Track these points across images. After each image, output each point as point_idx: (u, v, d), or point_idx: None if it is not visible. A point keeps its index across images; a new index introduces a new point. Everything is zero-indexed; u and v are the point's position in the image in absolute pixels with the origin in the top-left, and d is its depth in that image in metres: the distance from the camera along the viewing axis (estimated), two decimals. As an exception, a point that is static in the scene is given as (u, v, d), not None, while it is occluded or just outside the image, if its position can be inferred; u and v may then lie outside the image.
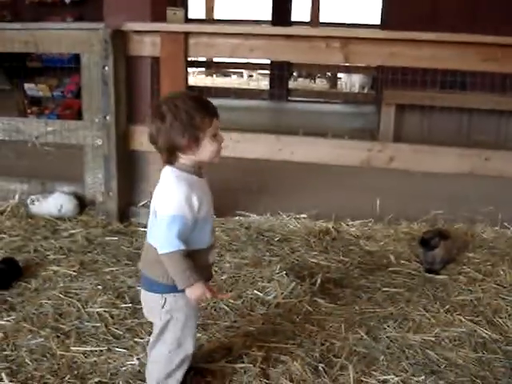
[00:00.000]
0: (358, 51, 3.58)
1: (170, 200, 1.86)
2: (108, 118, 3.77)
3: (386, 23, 9.23)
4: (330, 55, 3.63)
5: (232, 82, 13.95)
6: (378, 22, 11.10)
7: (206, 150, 1.91)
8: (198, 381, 2.19)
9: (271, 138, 3.80)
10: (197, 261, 1.91)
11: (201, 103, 1.92)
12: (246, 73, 14.13)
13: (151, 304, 2.03)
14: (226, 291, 2.89)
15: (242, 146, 3.75)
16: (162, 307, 1.97)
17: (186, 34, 3.68)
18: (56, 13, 8.17)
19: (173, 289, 1.93)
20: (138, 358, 2.33)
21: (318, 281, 2.96)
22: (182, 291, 1.92)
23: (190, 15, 11.87)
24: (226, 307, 2.74)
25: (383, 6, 9.77)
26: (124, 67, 3.81)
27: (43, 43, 4.05)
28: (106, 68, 3.72)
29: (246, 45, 3.65)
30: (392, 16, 8.66)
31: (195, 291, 1.90)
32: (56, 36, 4.01)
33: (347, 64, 9.94)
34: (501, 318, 2.75)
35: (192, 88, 9.98)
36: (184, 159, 1.92)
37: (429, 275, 3.17)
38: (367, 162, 3.71)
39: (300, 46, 3.61)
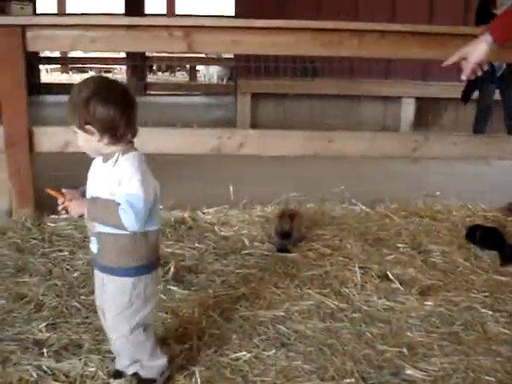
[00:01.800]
0: (201, 40, 3.62)
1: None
2: None
3: (238, 14, 9.39)
4: (173, 44, 3.64)
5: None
6: (232, 13, 11.29)
7: None
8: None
9: (120, 131, 3.75)
10: None
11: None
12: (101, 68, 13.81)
13: None
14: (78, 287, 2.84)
15: (90, 141, 3.67)
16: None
17: (23, 27, 3.54)
18: None
19: None
20: None
21: (172, 269, 2.97)
22: None
23: (40, 10, 11.42)
24: (77, 304, 2.68)
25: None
26: (-43, 64, 3.61)
27: None
28: None
29: (86, 36, 3.57)
30: (243, 8, 8.82)
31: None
32: None
33: (203, 55, 10.05)
34: (347, 288, 2.90)
35: (46, 85, 9.65)
36: None
37: (281, 254, 3.28)
38: (218, 149, 3.77)
39: (142, 35, 3.59)
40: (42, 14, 12.03)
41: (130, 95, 1.92)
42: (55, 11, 14.06)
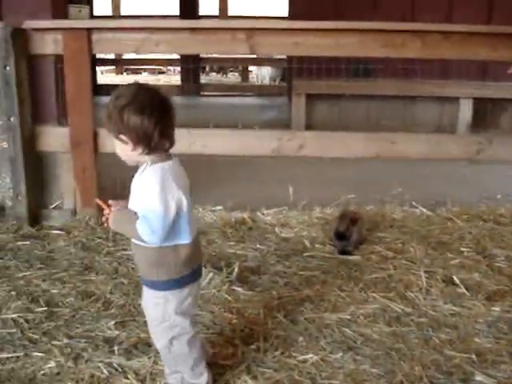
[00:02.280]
0: (263, 42, 3.63)
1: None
2: (12, 119, 3.66)
3: (293, 15, 9.38)
4: (236, 47, 3.66)
5: (143, 78, 13.77)
6: (285, 14, 11.28)
7: None
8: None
9: (182, 132, 3.78)
10: None
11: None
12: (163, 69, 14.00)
13: None
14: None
15: (153, 142, 3.73)
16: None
17: (89, 30, 3.62)
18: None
19: None
20: (56, 361, 2.28)
21: (236, 269, 2.99)
22: None
23: (96, 12, 11.63)
24: (144, 303, 2.73)
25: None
26: (26, 66, 3.70)
27: None
28: (8, 68, 3.60)
29: (151, 39, 3.62)
30: (297, 8, 8.80)
31: None
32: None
33: (255, 56, 10.07)
34: (412, 292, 2.87)
35: (101, 86, 9.83)
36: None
37: (342, 257, 3.26)
38: (278, 151, 3.77)
39: (205, 38, 3.62)
40: (106, 17, 12.33)
41: (166, 104, 1.86)
42: (110, 13, 14.31)
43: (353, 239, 3.33)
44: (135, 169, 1.93)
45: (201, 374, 2.09)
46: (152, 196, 1.82)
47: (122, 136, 1.83)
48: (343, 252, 3.30)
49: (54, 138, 3.78)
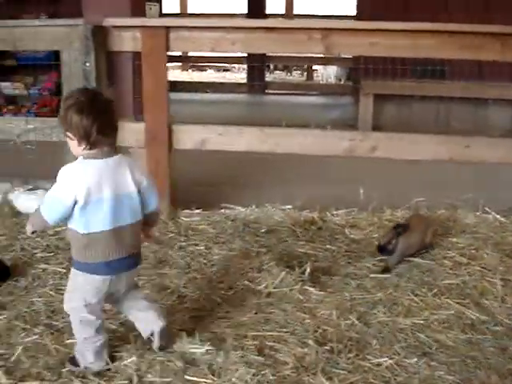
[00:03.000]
0: (339, 42, 3.62)
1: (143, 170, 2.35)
2: (90, 114, 3.76)
3: (361, 14, 9.31)
4: (312, 47, 3.66)
5: (208, 76, 13.91)
6: (352, 13, 11.20)
7: None
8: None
9: (255, 131, 3.83)
10: None
11: None
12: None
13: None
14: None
15: (226, 139, 3.78)
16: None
17: (167, 29, 3.68)
18: (30, 10, 8.05)
19: None
20: (135, 350, 2.34)
21: (308, 270, 2.99)
22: None
23: (164, 9, 11.81)
24: (218, 298, 2.77)
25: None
26: (105, 63, 3.80)
27: (22, 40, 4.02)
28: (88, 64, 3.70)
29: (227, 38, 3.66)
30: (366, 7, 8.72)
31: None
32: (34, 33, 3.97)
33: (323, 55, 10.03)
34: (487, 299, 2.82)
35: (174, 82, 9.96)
36: None
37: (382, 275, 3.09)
38: (350, 151, 3.75)
39: (281, 38, 3.63)
40: (171, 15, 12.50)
41: (104, 105, 2.15)
42: (177, 11, 14.50)
43: (397, 252, 3.14)
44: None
45: (85, 354, 2.24)
46: (56, 182, 2.11)
47: (68, 133, 2.12)
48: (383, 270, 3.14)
49: (130, 133, 3.85)
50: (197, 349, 2.34)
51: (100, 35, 3.72)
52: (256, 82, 10.25)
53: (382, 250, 3.15)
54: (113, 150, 2.20)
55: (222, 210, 3.92)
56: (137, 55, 3.85)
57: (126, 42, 3.76)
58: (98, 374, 2.20)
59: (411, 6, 7.15)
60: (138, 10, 3.95)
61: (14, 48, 4.29)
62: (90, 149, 2.11)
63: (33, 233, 2.28)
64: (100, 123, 2.08)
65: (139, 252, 2.29)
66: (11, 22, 4.49)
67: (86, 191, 2.07)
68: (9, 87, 7.70)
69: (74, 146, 2.13)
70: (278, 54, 11.19)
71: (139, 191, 2.21)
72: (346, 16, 11.56)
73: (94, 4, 3.82)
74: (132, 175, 2.19)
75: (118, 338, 2.44)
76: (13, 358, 2.31)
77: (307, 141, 3.79)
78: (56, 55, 6.34)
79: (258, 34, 3.65)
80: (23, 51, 7.39)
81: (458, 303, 2.76)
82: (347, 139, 3.74)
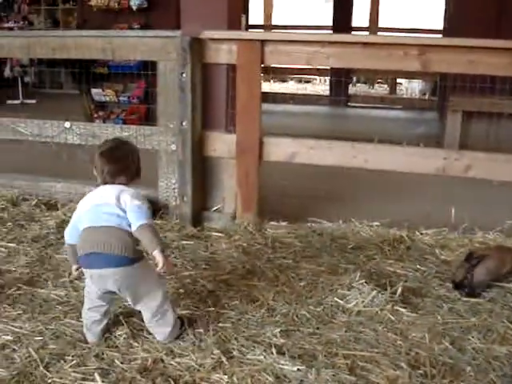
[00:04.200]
0: (436, 59, 3.55)
1: (136, 196, 2.47)
2: (184, 123, 3.84)
3: (450, 29, 9.13)
4: (407, 63, 3.61)
5: (290, 87, 13.96)
6: (438, 27, 11.01)
7: None
8: None
9: (346, 145, 3.81)
10: None
11: None
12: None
13: (131, 277, 2.45)
14: (305, 297, 2.93)
15: (316, 153, 3.78)
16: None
17: (263, 42, 3.72)
18: (122, 20, 8.33)
19: (137, 259, 2.44)
20: (217, 358, 2.36)
21: (399, 290, 2.94)
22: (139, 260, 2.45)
23: (250, 21, 11.96)
24: (307, 314, 2.76)
25: (447, 11, 9.66)
26: (200, 74, 3.88)
27: (120, 50, 4.16)
28: (184, 75, 3.79)
29: (322, 52, 3.66)
30: (455, 21, 8.54)
31: (164, 257, 2.37)
32: (133, 43, 4.10)
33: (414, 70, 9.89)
34: None
35: (266, 94, 10.07)
36: None
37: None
38: (443, 170, 3.67)
39: (377, 53, 3.59)
40: (256, 26, 12.65)
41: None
42: (261, 23, 14.66)
43: (475, 283, 3.01)
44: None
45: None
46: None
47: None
48: (469, 294, 3.01)
49: (221, 144, 3.93)
50: (287, 364, 2.34)
51: (197, 47, 3.81)
52: (339, 95, 10.20)
53: (458, 287, 3.05)
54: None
55: (309, 224, 3.91)
56: (231, 67, 3.91)
57: (222, 54, 3.83)
58: None
59: (503, 22, 6.98)
60: (233, 22, 4.00)
61: (113, 57, 4.41)
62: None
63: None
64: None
65: (119, 254, 2.39)
66: (111, 31, 4.65)
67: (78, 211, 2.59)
68: (100, 94, 7.97)
69: None
70: (359, 67, 11.12)
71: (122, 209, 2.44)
72: (432, 30, 11.36)
73: (192, 16, 3.89)
74: (118, 195, 2.46)
75: (210, 347, 2.47)
76: (107, 360, 2.38)
77: (399, 158, 3.73)
78: (145, 65, 6.56)
79: (353, 48, 3.63)
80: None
81: (556, 334, 2.64)
82: (441, 158, 3.66)
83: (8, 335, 2.56)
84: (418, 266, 3.34)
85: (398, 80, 12.79)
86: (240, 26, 4.16)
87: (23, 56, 8.90)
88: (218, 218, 4.00)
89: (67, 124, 4.33)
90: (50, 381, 2.25)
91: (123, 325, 2.63)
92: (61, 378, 2.26)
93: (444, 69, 3.70)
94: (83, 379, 2.26)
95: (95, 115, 7.84)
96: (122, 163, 2.58)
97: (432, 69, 3.60)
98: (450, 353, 2.49)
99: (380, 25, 13.15)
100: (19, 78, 10.56)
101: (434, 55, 3.53)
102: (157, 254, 2.34)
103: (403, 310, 2.80)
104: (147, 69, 5.87)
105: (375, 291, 2.90)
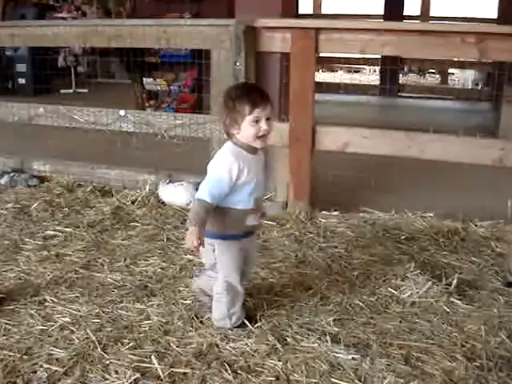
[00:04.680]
0: (494, 47, 3.47)
1: (216, 165, 2.34)
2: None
3: (504, 17, 8.92)
4: (465, 51, 3.55)
5: (339, 77, 13.83)
6: (493, 15, 10.78)
7: (245, 132, 2.32)
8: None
9: (400, 135, 3.76)
10: (230, 217, 2.39)
11: (246, 93, 2.34)
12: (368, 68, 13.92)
13: (205, 247, 2.39)
14: (359, 287, 2.92)
15: (369, 142, 3.75)
16: (213, 251, 2.43)
17: (317, 30, 3.70)
18: (174, 9, 8.40)
19: (219, 236, 2.41)
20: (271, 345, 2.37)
21: (454, 282, 2.90)
22: (226, 238, 2.41)
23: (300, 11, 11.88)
24: (360, 303, 2.75)
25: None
26: (254, 63, 3.88)
27: (175, 39, 4.19)
28: (238, 64, 3.80)
29: (377, 41, 3.62)
30: (509, 9, 8.34)
31: (190, 233, 2.27)
32: (187, 32, 4.13)
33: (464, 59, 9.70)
34: None
35: (317, 83, 10.03)
36: (237, 137, 2.35)
37: None
38: (500, 160, 3.59)
39: (434, 41, 3.54)
40: (305, 15, 12.58)
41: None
42: (311, 12, 14.58)
43: None
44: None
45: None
46: None
47: None
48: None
49: (274, 132, 3.88)
50: (342, 353, 2.34)
51: (251, 35, 3.81)
52: (389, 85, 10.06)
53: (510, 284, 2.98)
54: None
55: (361, 214, 3.89)
56: (284, 56, 3.90)
57: (276, 42, 3.82)
58: (247, 370, 2.26)
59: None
60: (287, 10, 3.99)
61: (168, 45, 4.46)
62: None
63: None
64: None
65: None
66: (165, 20, 4.70)
67: None
68: (151, 83, 8.05)
69: None
70: (414, 57, 10.95)
71: None
72: (486, 19, 11.10)
73: (246, 4, 3.90)
74: None
75: (264, 333, 2.49)
76: (164, 344, 2.43)
77: (455, 148, 3.67)
78: (195, 54, 6.60)
79: (410, 37, 3.59)
80: (167, 49, 7.70)
81: None
82: (498, 148, 3.59)
83: (66, 317, 2.62)
84: (473, 258, 3.29)
85: (451, 70, 12.54)
86: (294, 14, 4.14)
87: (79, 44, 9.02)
88: (269, 206, 4.00)
89: (122, 112, 4.41)
90: (107, 362, 2.30)
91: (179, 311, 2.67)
92: (118, 360, 2.31)
93: (502, 57, 3.62)
94: (140, 361, 2.31)
95: (146, 104, 7.93)
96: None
97: (490, 57, 3.53)
98: (507, 346, 2.44)
99: (432, 13, 12.94)
100: (72, 68, 10.75)
101: (492, 43, 3.45)
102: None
103: (459, 301, 2.76)
104: (198, 58, 5.90)
105: (430, 282, 2.87)
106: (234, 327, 2.51)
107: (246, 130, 2.31)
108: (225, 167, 2.30)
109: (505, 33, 3.53)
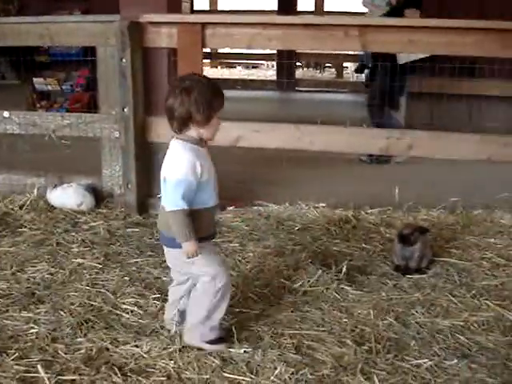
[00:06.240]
0: (377, 39, 3.57)
1: (177, 166, 2.21)
2: (126, 110, 3.78)
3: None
4: (348, 43, 3.62)
5: (237, 72, 13.91)
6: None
7: (211, 128, 2.27)
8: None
9: (290, 128, 3.80)
10: (203, 218, 2.28)
11: (219, 87, 2.31)
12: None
13: (174, 259, 2.36)
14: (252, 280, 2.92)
15: (261, 137, 3.77)
16: (187, 258, 2.25)
17: (203, 25, 3.68)
18: (64, 7, 8.15)
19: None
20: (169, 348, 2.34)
21: (344, 269, 2.96)
22: (201, 241, 2.25)
23: (195, 6, 11.85)
24: (254, 296, 2.75)
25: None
26: (141, 59, 3.81)
27: (58, 36, 4.05)
28: (124, 60, 3.73)
29: (263, 35, 3.64)
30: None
31: (189, 247, 2.21)
32: (71, 29, 4.01)
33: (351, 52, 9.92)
34: (528, 301, 2.76)
35: (216, 80, 10.00)
36: (192, 132, 2.25)
37: (410, 275, 3.03)
38: (386, 149, 3.71)
39: (318, 34, 3.60)
40: (201, 11, 12.52)
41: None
42: (207, 8, 14.53)
43: (417, 249, 3.04)
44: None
45: None
46: None
47: None
48: (406, 269, 3.04)
49: (165, 129, 3.83)
50: (234, 347, 2.34)
51: (136, 31, 3.74)
52: (286, 79, 10.20)
53: (404, 239, 3.04)
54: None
55: (255, 207, 3.91)
56: (172, 51, 3.85)
57: (162, 38, 3.77)
58: (138, 371, 2.21)
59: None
60: (173, 6, 3.94)
61: (52, 43, 4.30)
62: None
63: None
64: None
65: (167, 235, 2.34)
66: (48, 17, 4.53)
67: None
68: (41, 83, 7.76)
69: None
70: (309, 51, 11.15)
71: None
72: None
73: (130, 0, 3.82)
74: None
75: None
76: (51, 351, 2.34)
77: (343, 139, 3.75)
78: (86, 52, 6.42)
79: (294, 30, 3.63)
80: (56, 47, 7.47)
81: (497, 305, 2.71)
82: (384, 137, 3.70)
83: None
84: (364, 245, 3.38)
85: (345, 64, 12.87)
86: (180, 9, 4.10)
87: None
88: (164, 204, 3.94)
89: (6, 113, 4.20)
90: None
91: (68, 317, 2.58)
92: (3, 372, 2.20)
93: (384, 48, 3.74)
94: (25, 372, 2.20)
95: (38, 105, 7.64)
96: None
97: (373, 49, 3.64)
98: (395, 328, 2.52)
99: (326, 9, 13.19)
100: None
101: (374, 35, 3.56)
102: None
103: (348, 288, 2.83)
104: (89, 56, 5.74)
105: (320, 271, 2.92)
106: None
107: (215, 124, 2.28)
108: (188, 166, 2.20)
109: (384, 25, 3.65)
